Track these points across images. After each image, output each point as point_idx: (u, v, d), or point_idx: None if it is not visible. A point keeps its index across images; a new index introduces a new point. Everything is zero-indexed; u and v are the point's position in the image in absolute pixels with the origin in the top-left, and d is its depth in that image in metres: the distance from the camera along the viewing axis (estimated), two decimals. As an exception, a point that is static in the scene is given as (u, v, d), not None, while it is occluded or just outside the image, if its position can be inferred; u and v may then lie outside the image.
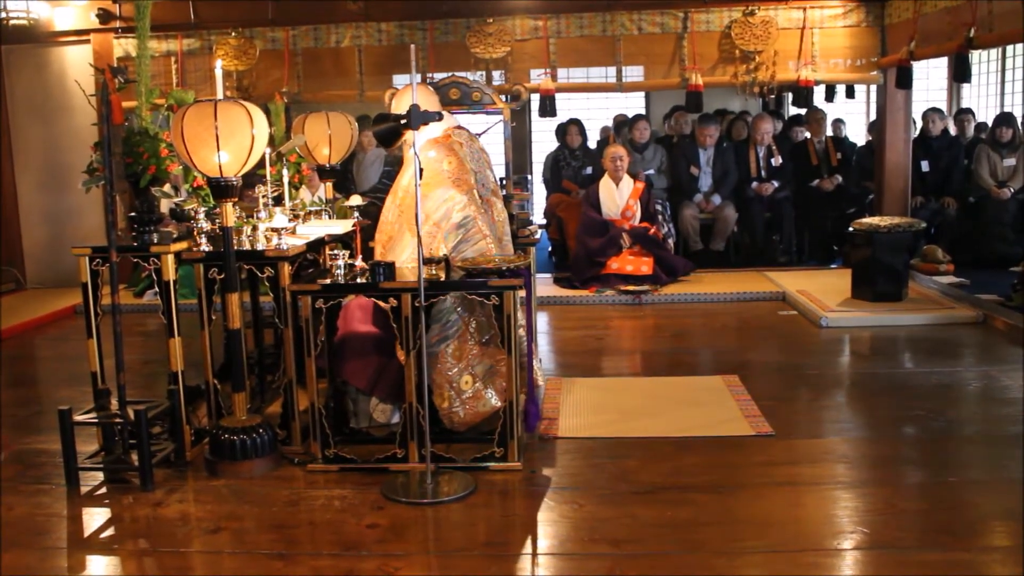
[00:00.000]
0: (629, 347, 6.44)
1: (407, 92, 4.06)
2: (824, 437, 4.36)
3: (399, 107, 4.39)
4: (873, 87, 9.58)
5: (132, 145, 4.21)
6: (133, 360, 5.60)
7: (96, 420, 3.98)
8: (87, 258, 4.07)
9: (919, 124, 9.41)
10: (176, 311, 4.06)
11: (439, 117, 3.84)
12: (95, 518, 3.65)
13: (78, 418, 3.91)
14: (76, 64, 8.55)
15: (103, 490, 3.89)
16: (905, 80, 7.81)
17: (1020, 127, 9.02)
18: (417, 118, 3.61)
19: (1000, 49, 10.87)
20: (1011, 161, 8.84)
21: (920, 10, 7.44)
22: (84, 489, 3.88)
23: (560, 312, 7.30)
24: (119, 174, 4.17)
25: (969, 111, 10.20)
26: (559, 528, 3.42)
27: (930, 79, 12.11)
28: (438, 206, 4.16)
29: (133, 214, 4.21)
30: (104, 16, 8.41)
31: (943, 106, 11.40)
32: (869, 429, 4.49)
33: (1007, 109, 10.38)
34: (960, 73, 7.10)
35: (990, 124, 9.44)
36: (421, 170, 3.67)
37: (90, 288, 4.09)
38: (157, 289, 4.10)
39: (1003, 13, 6.33)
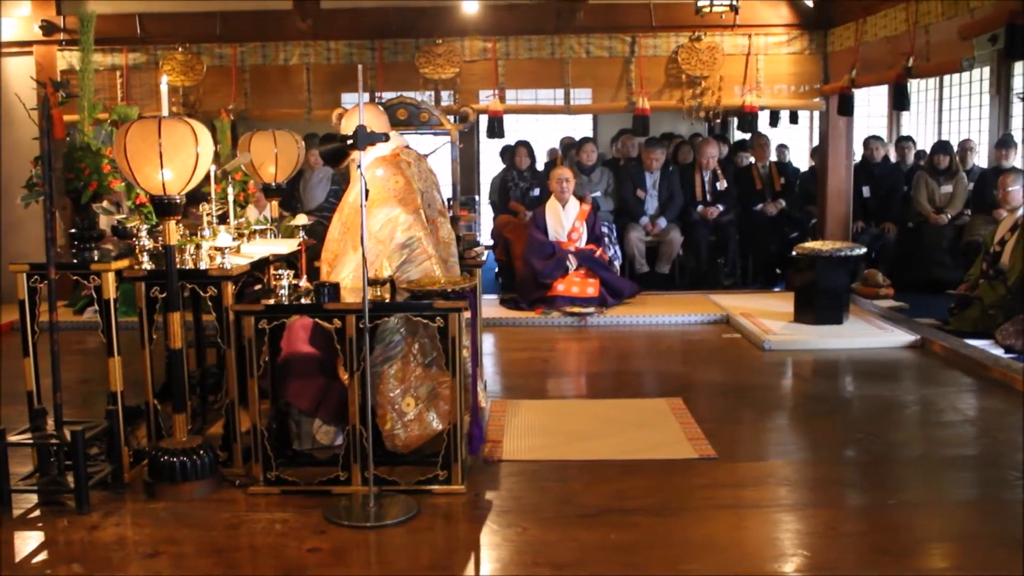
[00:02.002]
0: (574, 369, 6.46)
1: (356, 112, 4.04)
2: (766, 460, 4.41)
3: (348, 127, 4.37)
4: (816, 113, 9.75)
5: (73, 160, 4.12)
6: (71, 379, 5.48)
7: (31, 441, 3.89)
8: (25, 275, 3.99)
9: (860, 150, 9.59)
10: (116, 330, 3.99)
11: (385, 138, 3.84)
12: (28, 542, 3.56)
13: (12, 438, 3.83)
14: (17, 76, 8.38)
15: (37, 513, 3.80)
16: (847, 107, 7.97)
17: (956, 155, 9.24)
18: (364, 139, 3.60)
19: (938, 79, 11.13)
20: (948, 188, 9.05)
21: (861, 39, 7.61)
22: (17, 512, 3.78)
23: (506, 334, 7.31)
24: (59, 189, 4.09)
25: (910, 139, 10.42)
26: (502, 552, 3.41)
27: (871, 106, 12.36)
28: (383, 224, 4.14)
29: (73, 231, 4.14)
30: (48, 28, 8.28)
31: (883, 133, 11.64)
32: (811, 452, 4.54)
33: (944, 137, 10.62)
34: (899, 101, 7.26)
35: (928, 152, 9.66)
36: (367, 189, 3.66)
37: (27, 305, 4.00)
38: (97, 307, 4.03)
39: (940, 43, 6.50)
